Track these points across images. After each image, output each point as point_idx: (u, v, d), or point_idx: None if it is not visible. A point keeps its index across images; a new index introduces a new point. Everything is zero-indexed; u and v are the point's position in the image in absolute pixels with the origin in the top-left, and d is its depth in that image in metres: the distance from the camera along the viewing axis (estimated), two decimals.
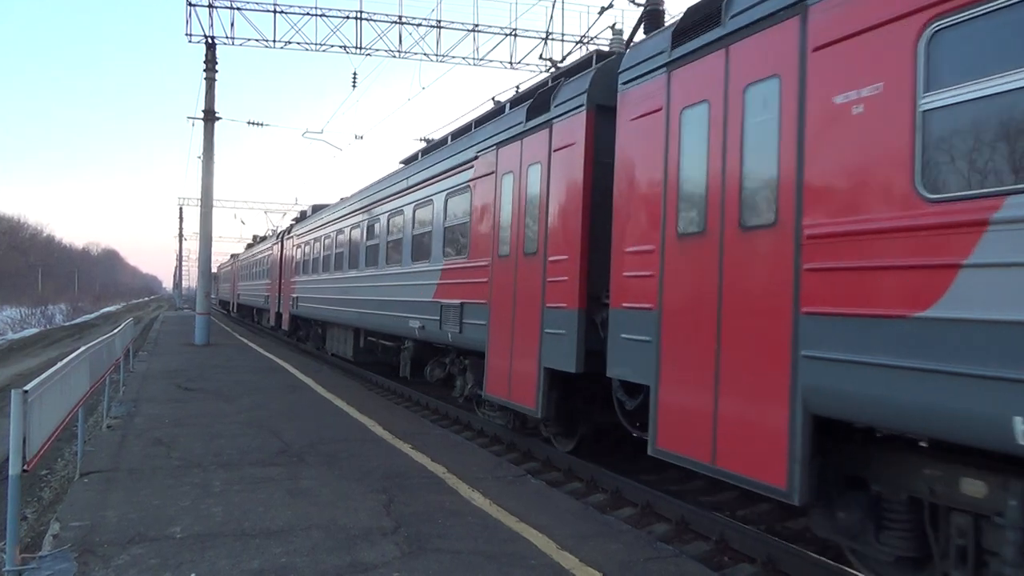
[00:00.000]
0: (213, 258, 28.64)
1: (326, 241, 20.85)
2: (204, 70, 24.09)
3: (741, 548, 6.35)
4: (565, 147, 8.36)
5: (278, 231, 32.35)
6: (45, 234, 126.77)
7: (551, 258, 8.45)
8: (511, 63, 25.54)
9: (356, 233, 17.57)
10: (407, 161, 15.68)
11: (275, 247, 30.53)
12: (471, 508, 6.49)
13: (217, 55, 24.08)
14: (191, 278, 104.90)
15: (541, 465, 9.53)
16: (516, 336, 9.11)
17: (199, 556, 5.14)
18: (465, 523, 6.05)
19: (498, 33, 25.17)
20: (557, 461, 9.37)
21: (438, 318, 11.69)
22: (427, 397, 14.32)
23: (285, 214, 47.61)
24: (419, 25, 24.61)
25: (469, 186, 10.95)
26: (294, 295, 24.96)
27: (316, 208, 25.46)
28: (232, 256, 59.83)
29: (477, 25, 24.91)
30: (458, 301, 11.01)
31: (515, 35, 25.31)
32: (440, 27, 24.75)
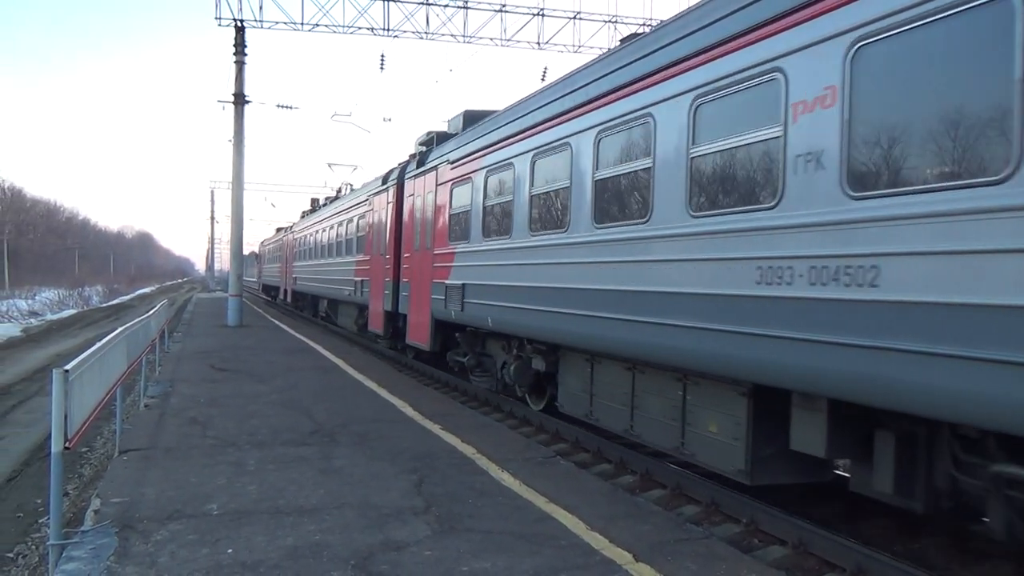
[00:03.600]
0: (246, 238, 29.00)
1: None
2: (234, 53, 24.24)
3: (771, 531, 6.33)
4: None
5: (387, 175, 17.54)
6: (81, 217, 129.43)
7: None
8: (539, 44, 25.38)
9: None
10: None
11: (381, 200, 17.53)
12: (501, 488, 6.54)
13: (246, 39, 24.21)
14: (223, 260, 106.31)
15: (570, 446, 9.56)
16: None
17: (235, 532, 5.24)
18: (495, 503, 6.10)
19: (526, 13, 25.02)
20: (587, 442, 9.40)
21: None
22: (456, 379, 14.41)
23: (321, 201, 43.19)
24: (446, 6, 24.54)
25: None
26: (458, 283, 11.78)
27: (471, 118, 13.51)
28: (279, 230, 49.87)
29: (504, 5, 24.78)
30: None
31: (543, 15, 25.13)
32: (467, 8, 24.65)
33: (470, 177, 11.52)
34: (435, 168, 13.53)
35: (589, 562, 4.90)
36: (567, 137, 8.50)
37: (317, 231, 28.18)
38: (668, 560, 4.98)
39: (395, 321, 16.20)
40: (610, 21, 25.41)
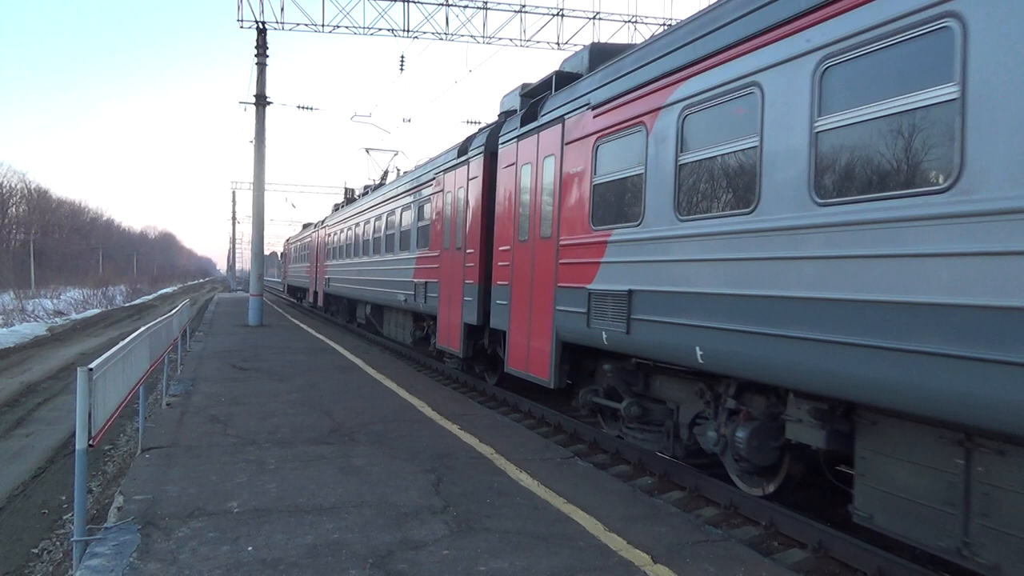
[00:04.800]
0: (267, 238, 28.90)
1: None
2: (255, 55, 24.47)
3: (791, 533, 6.29)
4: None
5: (466, 143, 13.70)
6: (105, 218, 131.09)
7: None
8: (558, 43, 25.36)
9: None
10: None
11: (457, 178, 13.63)
12: (519, 489, 6.55)
13: (268, 40, 24.41)
14: (244, 260, 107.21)
15: (588, 447, 9.54)
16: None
17: (255, 530, 5.29)
18: (513, 503, 6.10)
19: (545, 13, 25.01)
20: (605, 443, 9.38)
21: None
22: (474, 379, 14.43)
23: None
24: (466, 7, 24.57)
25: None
26: (616, 289, 8.04)
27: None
28: (306, 226, 46.15)
29: (524, 6, 24.79)
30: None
31: (562, 15, 25.12)
32: (487, 8, 24.69)
33: (641, 123, 7.57)
34: (560, 121, 9.39)
35: (607, 563, 4.89)
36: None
37: (356, 224, 24.03)
38: (686, 562, 4.96)
39: (478, 337, 12.58)
40: (630, 21, 25.35)
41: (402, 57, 28.01)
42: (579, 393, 9.51)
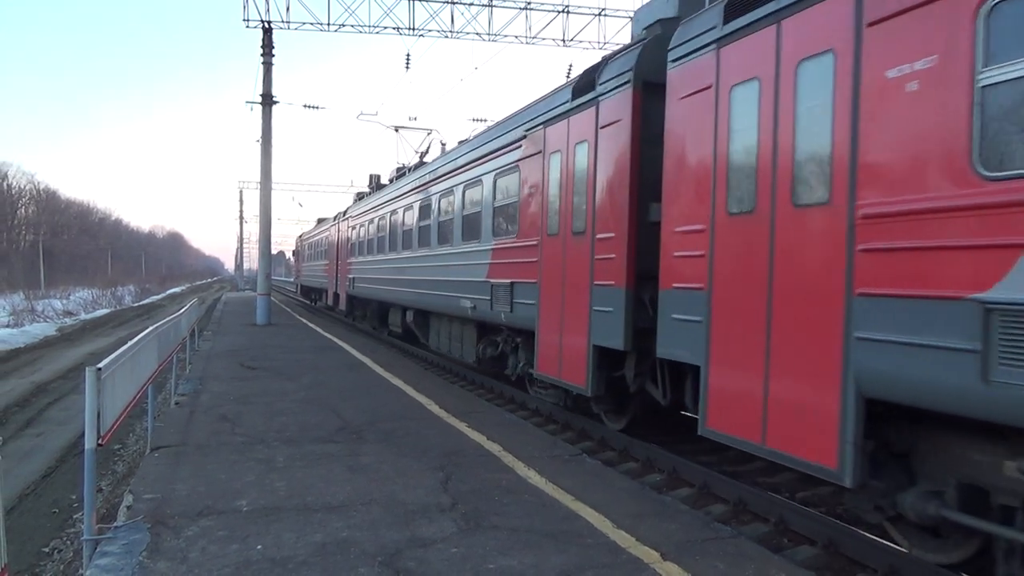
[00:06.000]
0: (274, 237, 28.35)
1: None
2: (261, 55, 24.50)
3: (800, 530, 6.26)
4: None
5: (588, 77, 9.12)
6: (113, 218, 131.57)
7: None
8: (564, 41, 25.33)
9: None
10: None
11: (572, 130, 9.40)
12: (527, 486, 6.54)
13: (273, 40, 24.46)
14: (252, 259, 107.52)
15: (596, 444, 9.53)
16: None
17: (264, 529, 5.30)
18: (521, 501, 6.10)
19: (551, 10, 24.97)
20: (612, 441, 9.36)
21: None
22: (482, 377, 14.42)
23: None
24: (471, 4, 24.56)
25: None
26: None
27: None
28: (321, 221, 41.01)
29: (530, 3, 24.75)
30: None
31: (568, 12, 25.07)
32: (492, 6, 24.68)
33: None
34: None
35: (616, 560, 4.88)
36: None
37: (392, 213, 19.57)
38: (696, 559, 4.95)
39: (614, 367, 8.62)
40: (633, 19, 25.25)
41: (408, 55, 27.97)
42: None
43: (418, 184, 17.02)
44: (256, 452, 7.51)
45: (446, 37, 24.96)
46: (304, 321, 28.10)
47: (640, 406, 9.01)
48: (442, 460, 7.33)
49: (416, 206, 16.96)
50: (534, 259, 10.12)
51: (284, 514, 5.63)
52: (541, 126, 10.14)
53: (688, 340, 6.79)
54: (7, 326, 32.17)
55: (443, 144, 22.14)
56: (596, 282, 8.53)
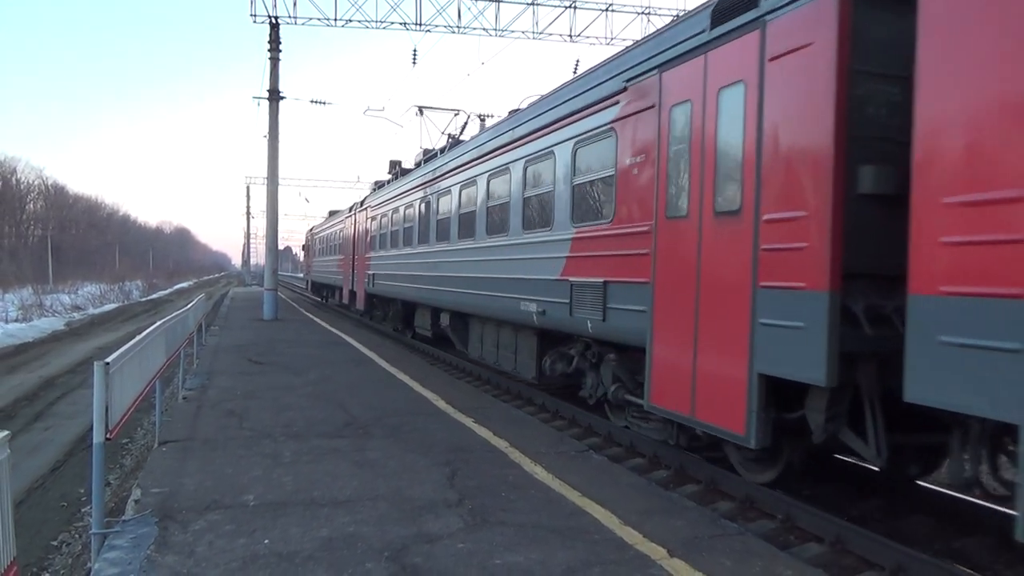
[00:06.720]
0: (281, 232, 28.20)
1: None
2: (268, 50, 24.52)
3: (808, 527, 6.24)
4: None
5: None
6: (121, 213, 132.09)
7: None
8: (571, 36, 25.27)
9: None
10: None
11: (682, 82, 7.16)
12: (534, 482, 6.54)
13: (280, 35, 24.46)
14: (259, 255, 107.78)
15: (603, 440, 9.52)
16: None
17: (271, 523, 5.31)
18: (528, 497, 6.09)
19: (557, 6, 24.90)
20: (619, 437, 9.34)
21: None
22: (488, 372, 14.42)
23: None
24: (478, 0, 24.52)
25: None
26: None
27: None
28: (333, 213, 38.46)
29: None
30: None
31: (575, 8, 24.99)
32: (499, 1, 24.61)
33: None
34: None
35: (623, 557, 4.87)
36: None
37: (424, 200, 16.97)
38: (703, 556, 4.94)
39: (787, 407, 6.09)
40: (643, 13, 25.21)
41: (414, 50, 28.06)
42: None
43: (457, 165, 14.49)
44: (263, 447, 7.53)
45: (453, 32, 24.94)
46: (311, 317, 28.15)
47: (800, 450, 6.60)
48: (448, 456, 7.33)
49: (455, 191, 14.38)
50: (642, 251, 7.67)
51: (291, 509, 5.64)
52: (654, 72, 7.57)
53: (993, 381, 4.16)
54: (16, 320, 32.35)
55: (482, 119, 19.63)
56: (764, 283, 5.93)
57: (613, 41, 25.22)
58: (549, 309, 9.80)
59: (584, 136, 9.07)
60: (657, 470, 8.21)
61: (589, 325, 8.77)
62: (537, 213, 10.53)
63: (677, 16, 7.93)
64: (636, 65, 8.00)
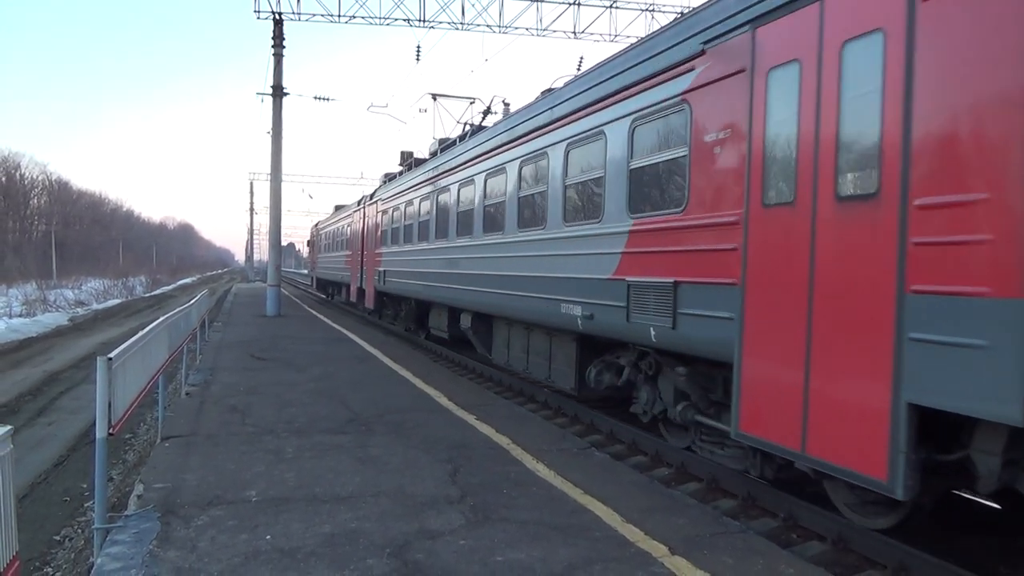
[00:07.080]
0: (284, 228, 27.94)
1: None
2: (272, 46, 24.51)
3: (810, 526, 6.24)
4: None
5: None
6: (125, 209, 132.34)
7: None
8: (574, 33, 25.23)
9: None
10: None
11: (806, 35, 5.62)
12: (536, 479, 6.54)
13: (284, 31, 24.45)
14: (263, 251, 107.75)
15: (605, 438, 9.52)
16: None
17: (273, 519, 5.32)
18: (530, 494, 6.09)
19: (561, 2, 24.85)
20: (621, 434, 9.34)
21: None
22: (491, 369, 14.42)
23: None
24: None
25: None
26: None
27: None
28: (339, 208, 36.82)
29: None
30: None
31: (579, 5, 24.96)
32: None
33: None
34: None
35: (624, 554, 4.87)
36: None
37: (443, 191, 15.46)
38: (704, 554, 4.93)
39: (940, 446, 4.93)
40: (647, 10, 25.14)
41: (418, 47, 27.93)
42: None
43: (482, 152, 13.03)
44: (265, 443, 7.54)
45: (456, 29, 24.90)
46: (314, 313, 28.18)
47: (939, 493, 5.59)
48: (451, 452, 7.34)
49: (480, 181, 12.98)
50: (727, 246, 6.42)
51: (293, 505, 5.64)
52: (745, 28, 6.24)
53: None
54: (20, 315, 32.42)
55: (506, 104, 18.16)
56: (917, 287, 4.67)
57: (617, 38, 25.19)
58: (598, 313, 8.52)
59: (645, 111, 7.78)
60: (659, 468, 8.21)
61: (652, 333, 7.46)
62: (582, 203, 9.23)
63: (680, 14, 7.34)
64: (717, 24, 6.64)
